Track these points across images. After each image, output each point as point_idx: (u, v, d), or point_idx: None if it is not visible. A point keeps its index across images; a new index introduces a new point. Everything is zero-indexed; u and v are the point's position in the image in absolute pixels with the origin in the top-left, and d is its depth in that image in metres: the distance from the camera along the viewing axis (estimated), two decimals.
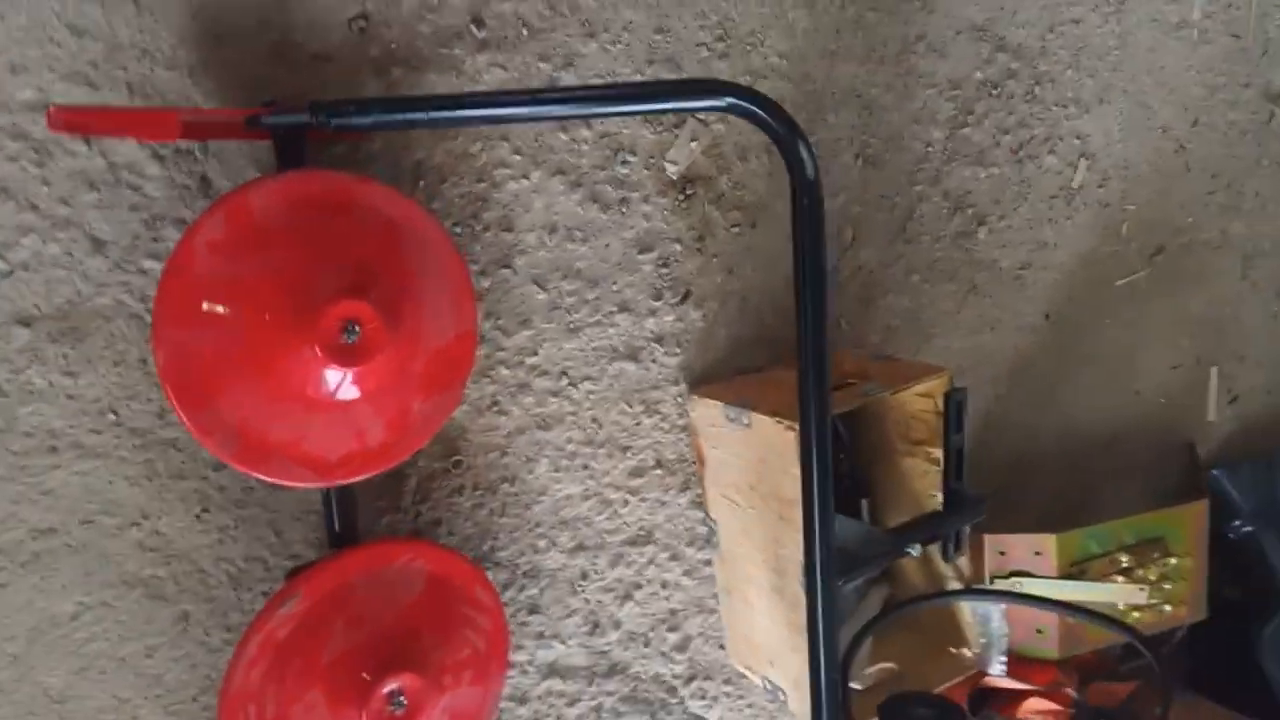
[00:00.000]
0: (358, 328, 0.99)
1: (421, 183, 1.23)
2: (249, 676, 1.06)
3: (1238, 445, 2.19)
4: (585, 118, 1.00)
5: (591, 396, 1.39)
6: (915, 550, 1.20)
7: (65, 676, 1.16)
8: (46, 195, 1.05)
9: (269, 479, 1.04)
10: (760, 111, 0.93)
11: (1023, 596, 1.38)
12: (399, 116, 1.01)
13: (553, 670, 1.44)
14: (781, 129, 0.93)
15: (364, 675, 1.09)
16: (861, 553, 1.15)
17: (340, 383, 1.02)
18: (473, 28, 1.23)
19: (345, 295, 0.98)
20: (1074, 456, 1.96)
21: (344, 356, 0.99)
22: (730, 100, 0.93)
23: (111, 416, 1.12)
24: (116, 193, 1.08)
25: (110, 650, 1.18)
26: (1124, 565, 1.65)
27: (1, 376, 1.07)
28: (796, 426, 1.17)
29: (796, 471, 1.19)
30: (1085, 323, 1.90)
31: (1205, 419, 2.15)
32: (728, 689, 1.59)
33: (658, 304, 1.41)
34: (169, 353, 0.97)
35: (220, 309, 0.98)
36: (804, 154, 0.94)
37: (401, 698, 1.08)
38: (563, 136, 1.29)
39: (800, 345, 1.07)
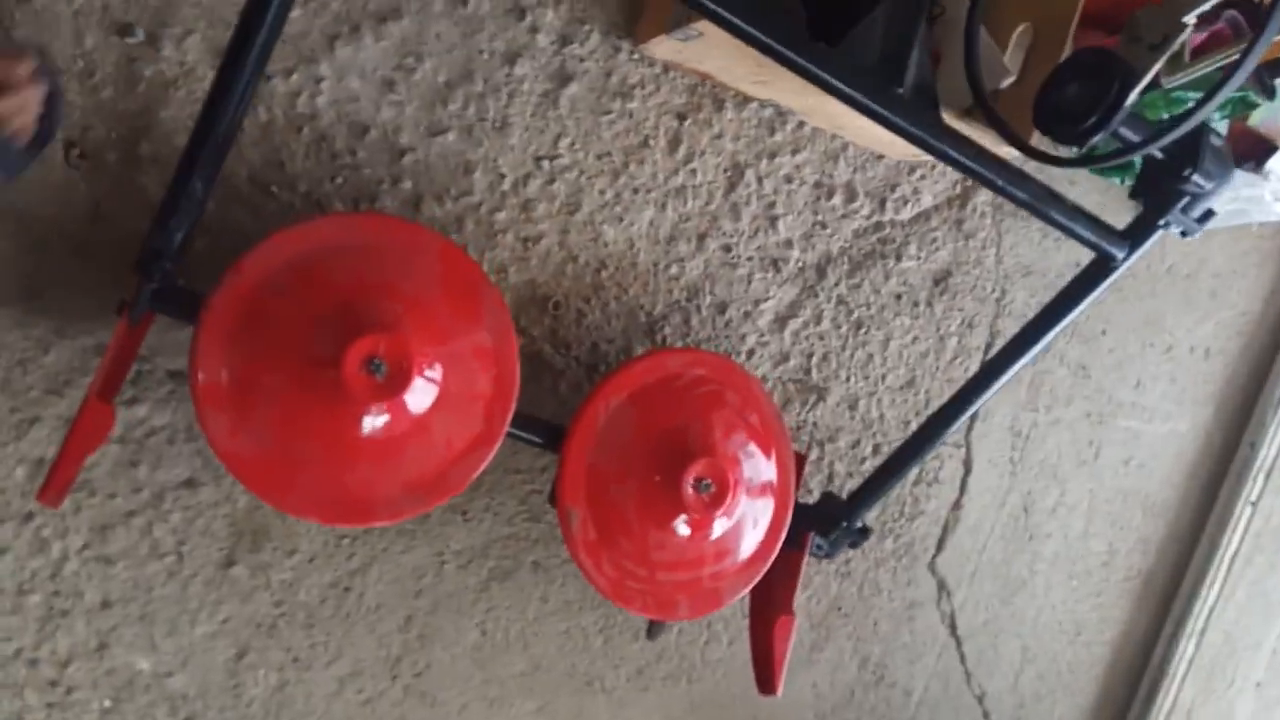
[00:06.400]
0: (381, 362, 0.95)
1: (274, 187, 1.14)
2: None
3: None
4: None
5: (576, 148, 1.27)
6: None
7: None
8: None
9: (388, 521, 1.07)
10: None
11: None
12: None
13: (778, 319, 1.45)
14: None
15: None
16: None
17: (400, 412, 0.99)
18: None
19: (357, 335, 0.94)
20: None
21: (381, 391, 0.96)
22: None
23: None
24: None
25: None
26: None
27: None
28: None
29: None
30: None
31: None
32: (912, 177, 1.50)
33: (527, 17, 1.21)
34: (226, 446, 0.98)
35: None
36: None
37: None
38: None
39: None
